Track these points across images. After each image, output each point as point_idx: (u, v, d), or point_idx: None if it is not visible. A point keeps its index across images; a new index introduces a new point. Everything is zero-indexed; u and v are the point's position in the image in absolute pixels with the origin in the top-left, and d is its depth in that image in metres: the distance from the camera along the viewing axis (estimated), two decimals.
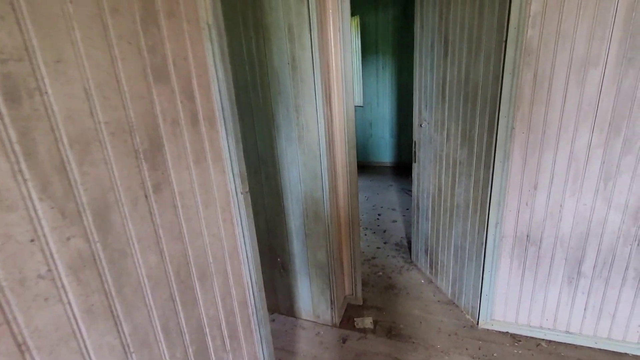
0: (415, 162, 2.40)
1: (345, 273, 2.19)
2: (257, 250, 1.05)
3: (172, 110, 0.71)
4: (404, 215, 3.58)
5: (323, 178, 1.74)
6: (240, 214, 0.95)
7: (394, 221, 3.46)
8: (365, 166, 5.60)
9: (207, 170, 0.82)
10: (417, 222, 2.50)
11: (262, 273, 2.19)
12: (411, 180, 2.52)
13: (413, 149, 2.40)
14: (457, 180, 1.94)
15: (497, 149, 1.60)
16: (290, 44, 1.55)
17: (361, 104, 5.45)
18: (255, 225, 2.05)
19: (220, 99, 0.85)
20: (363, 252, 2.89)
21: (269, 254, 2.06)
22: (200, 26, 0.78)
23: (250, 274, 1.02)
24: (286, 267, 2.04)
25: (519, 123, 1.55)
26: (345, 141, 1.89)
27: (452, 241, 2.08)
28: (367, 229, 3.34)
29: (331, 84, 1.76)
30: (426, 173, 2.27)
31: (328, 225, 1.82)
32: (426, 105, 2.17)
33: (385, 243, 3.02)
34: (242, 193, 0.95)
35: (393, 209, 3.77)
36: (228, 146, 0.88)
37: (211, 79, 0.82)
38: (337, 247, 1.99)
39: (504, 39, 1.47)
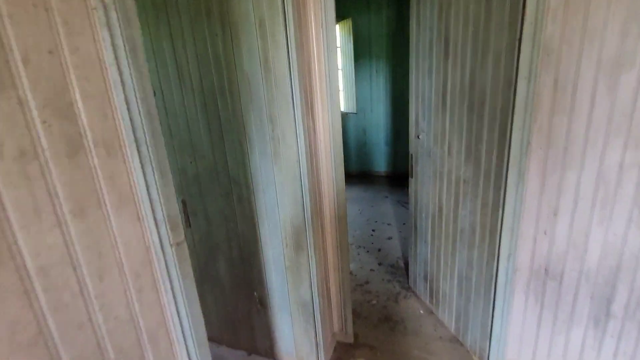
0: (412, 177, 2.14)
1: (334, 307, 1.91)
2: (202, 320, 0.77)
3: (20, 134, 0.43)
4: (400, 232, 3.31)
5: (305, 202, 1.47)
6: (170, 275, 0.67)
7: (390, 238, 3.19)
8: (359, 175, 5.34)
9: (102, 222, 0.55)
10: (415, 244, 2.23)
11: (237, 308, 1.92)
12: (408, 192, 2.25)
13: (409, 163, 2.14)
14: (461, 201, 1.68)
15: (509, 167, 1.35)
16: (262, 41, 1.29)
17: (354, 111, 5.21)
18: (228, 255, 1.77)
19: (130, 114, 0.57)
20: (355, 275, 2.61)
21: (244, 287, 1.77)
22: (87, 4, 0.51)
23: (190, 355, 0.73)
24: (264, 303, 1.75)
25: (536, 137, 1.29)
26: (332, 156, 1.62)
27: (456, 270, 1.81)
28: (360, 247, 3.07)
29: (313, 90, 1.50)
30: (424, 190, 2.00)
31: (311, 256, 1.54)
32: (424, 115, 1.92)
33: (380, 264, 2.75)
34: (173, 245, 0.67)
35: (388, 224, 3.51)
36: (146, 182, 0.61)
37: (111, 84, 0.55)
38: (322, 279, 1.71)
39: (518, 37, 1.23)
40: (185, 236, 0.71)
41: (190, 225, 1.80)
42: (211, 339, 2.07)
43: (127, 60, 0.57)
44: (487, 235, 1.54)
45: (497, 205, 1.45)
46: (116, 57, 0.55)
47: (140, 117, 0.59)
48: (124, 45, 0.56)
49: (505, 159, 1.36)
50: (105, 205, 0.55)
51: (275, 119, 1.37)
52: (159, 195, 0.63)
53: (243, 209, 1.61)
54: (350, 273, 2.65)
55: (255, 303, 1.77)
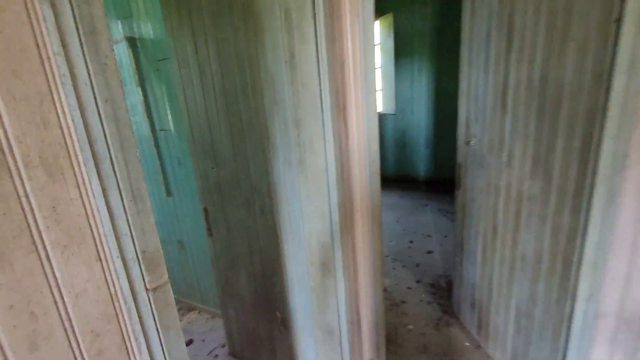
0: (459, 189, 1.86)
1: (364, 332, 1.70)
2: None
3: None
4: (441, 245, 3.00)
5: (332, 217, 1.28)
6: (146, 328, 0.52)
7: (430, 252, 2.90)
8: (396, 180, 5.04)
9: (36, 270, 0.40)
10: (461, 265, 1.95)
11: (258, 326, 1.78)
12: (451, 200, 1.98)
13: (456, 172, 1.86)
14: (523, 221, 1.39)
15: (595, 185, 1.05)
16: (287, 35, 1.13)
17: (393, 112, 4.91)
18: (250, 269, 1.64)
19: (86, 121, 0.43)
20: (390, 293, 2.37)
21: (266, 305, 1.63)
22: None
23: None
24: (287, 324, 1.59)
25: (637, 148, 0.99)
26: (367, 164, 1.41)
27: (513, 302, 1.51)
28: (396, 260, 2.81)
29: (347, 90, 1.30)
30: (475, 206, 1.72)
31: (339, 279, 1.35)
32: (476, 118, 1.64)
33: (418, 282, 2.48)
34: (150, 290, 0.52)
35: (428, 235, 3.20)
36: (109, 211, 0.46)
37: (57, 81, 0.40)
38: (352, 303, 1.51)
39: (616, 17, 0.94)
40: (169, 277, 0.55)
41: (212, 234, 1.69)
42: (233, 354, 1.96)
43: (81, 48, 0.42)
44: (559, 268, 1.24)
45: (574, 232, 1.15)
46: (64, 44, 0.40)
47: (102, 125, 0.44)
48: (77, 27, 0.41)
49: (589, 175, 1.07)
50: (43, 246, 0.40)
51: (301, 123, 1.20)
52: (129, 227, 0.48)
53: (265, 220, 1.46)
54: (385, 290, 2.42)
55: (278, 323, 1.62)
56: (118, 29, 1.89)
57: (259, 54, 1.21)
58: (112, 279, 0.48)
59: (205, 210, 1.65)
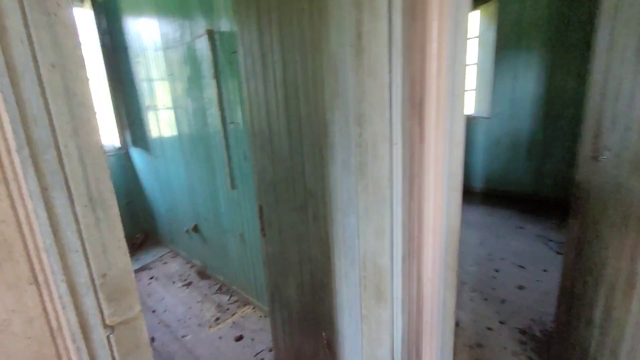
0: (575, 217, 1.40)
1: None
2: None
3: None
4: (538, 281, 2.43)
5: (394, 236, 1.04)
6: None
7: (521, 287, 2.37)
8: (485, 194, 4.38)
9: None
10: (567, 316, 1.48)
11: (304, 343, 1.62)
12: (556, 225, 1.51)
13: (572, 194, 1.41)
14: None
15: None
16: (356, 11, 0.93)
17: (487, 115, 4.27)
18: (299, 279, 1.48)
19: (19, 96, 0.30)
20: (463, 330, 1.98)
21: (312, 321, 1.47)
22: None
23: None
24: (332, 348, 1.40)
25: None
26: (446, 176, 1.13)
27: None
28: (475, 290, 2.37)
29: (426, 82, 1.04)
30: (599, 244, 1.26)
31: (396, 314, 1.10)
32: (615, 124, 1.19)
33: (501, 323, 2.02)
34: (112, 325, 0.39)
35: (521, 267, 2.63)
36: (52, 219, 0.33)
37: None
38: (411, 344, 1.24)
39: None
40: (142, 310, 0.41)
41: (265, 235, 1.60)
42: None
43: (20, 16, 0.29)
44: None
45: None
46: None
47: (45, 99, 0.31)
48: None
49: None
50: None
51: (364, 120, 0.99)
52: (82, 241, 0.36)
53: (318, 229, 1.29)
54: (457, 324, 2.04)
55: (323, 345, 1.44)
56: (201, 23, 1.95)
57: (322, 37, 1.04)
58: (53, 309, 0.36)
59: (260, 208, 1.57)
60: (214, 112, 2.08)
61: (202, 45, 1.95)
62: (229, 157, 2.08)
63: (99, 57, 3.31)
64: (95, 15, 3.23)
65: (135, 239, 3.69)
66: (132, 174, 3.74)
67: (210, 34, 1.86)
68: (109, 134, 3.58)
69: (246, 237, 2.27)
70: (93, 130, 0.36)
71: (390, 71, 0.91)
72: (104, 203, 0.37)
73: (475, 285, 2.43)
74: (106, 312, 0.39)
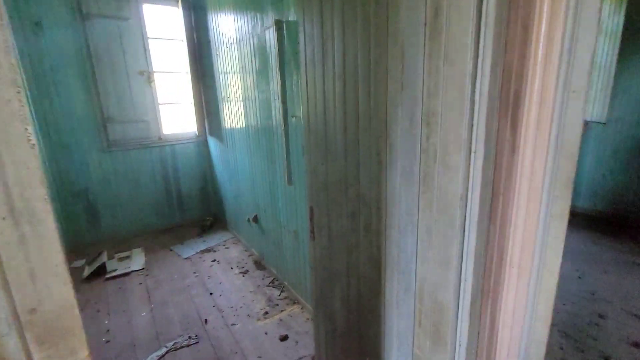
0: None
1: None
2: None
3: None
4: None
5: (464, 268, 0.82)
6: None
7: (636, 345, 1.83)
8: (591, 217, 3.60)
9: None
10: None
11: None
12: None
13: None
14: None
15: None
16: None
17: (602, 119, 3.47)
18: (345, 292, 1.29)
19: None
20: None
21: (356, 343, 1.31)
22: None
23: None
24: None
25: None
26: (543, 199, 0.85)
27: None
28: (567, 336, 1.91)
29: (525, 76, 0.78)
30: None
31: None
32: None
33: None
34: None
35: (636, 316, 2.05)
36: None
37: None
38: None
39: None
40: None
41: (314, 238, 1.49)
42: None
43: None
44: None
45: None
46: None
47: None
48: None
49: None
50: None
51: (434, 119, 0.79)
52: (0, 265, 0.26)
53: (369, 243, 1.12)
54: None
55: None
56: (271, 14, 1.90)
57: (389, 18, 0.85)
58: None
59: (311, 210, 1.45)
60: (278, 105, 2.04)
61: (270, 37, 1.91)
62: (288, 152, 2.01)
63: (186, 52, 3.59)
64: (183, 13, 3.49)
65: (205, 221, 3.96)
66: (207, 161, 4.01)
67: (278, 24, 1.80)
68: (190, 123, 3.89)
69: (300, 235, 2.20)
70: (18, 114, 0.26)
71: (475, 57, 0.69)
72: (32, 215, 0.28)
73: (567, 329, 1.96)
74: (36, 358, 0.30)
